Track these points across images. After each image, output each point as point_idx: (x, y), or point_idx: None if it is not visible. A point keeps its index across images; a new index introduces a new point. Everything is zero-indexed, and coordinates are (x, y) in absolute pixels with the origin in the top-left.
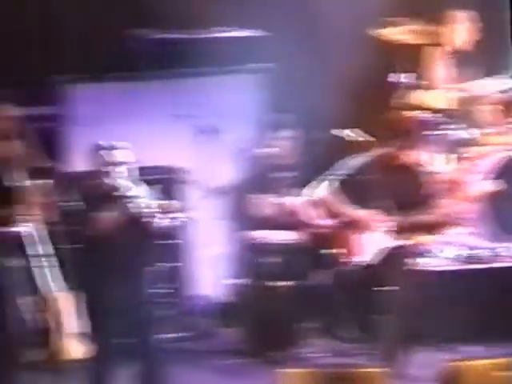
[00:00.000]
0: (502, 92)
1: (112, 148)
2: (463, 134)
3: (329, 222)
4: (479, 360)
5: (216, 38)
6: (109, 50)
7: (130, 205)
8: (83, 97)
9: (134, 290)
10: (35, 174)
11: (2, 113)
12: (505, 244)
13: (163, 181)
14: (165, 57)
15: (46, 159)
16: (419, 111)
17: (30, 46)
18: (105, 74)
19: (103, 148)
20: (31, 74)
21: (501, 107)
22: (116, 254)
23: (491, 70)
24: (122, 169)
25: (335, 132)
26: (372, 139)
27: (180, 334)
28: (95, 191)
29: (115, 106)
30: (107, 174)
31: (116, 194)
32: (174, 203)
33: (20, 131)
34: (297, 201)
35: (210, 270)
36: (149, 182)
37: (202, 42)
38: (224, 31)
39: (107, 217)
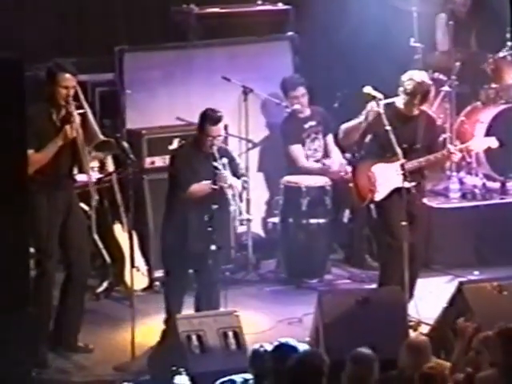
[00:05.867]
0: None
1: (219, 121)
2: (466, 89)
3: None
4: (481, 283)
5: (253, 11)
6: (162, 23)
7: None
8: (140, 63)
9: (195, 231)
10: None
11: (70, 80)
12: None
13: None
14: (207, 28)
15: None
16: (431, 71)
17: (94, 21)
18: (158, 44)
19: (212, 120)
20: (95, 45)
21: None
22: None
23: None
24: (219, 141)
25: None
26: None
27: (230, 266)
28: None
29: (166, 71)
30: (211, 144)
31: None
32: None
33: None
34: (323, 150)
35: (255, 211)
36: None
37: (239, 14)
38: (261, 5)
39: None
